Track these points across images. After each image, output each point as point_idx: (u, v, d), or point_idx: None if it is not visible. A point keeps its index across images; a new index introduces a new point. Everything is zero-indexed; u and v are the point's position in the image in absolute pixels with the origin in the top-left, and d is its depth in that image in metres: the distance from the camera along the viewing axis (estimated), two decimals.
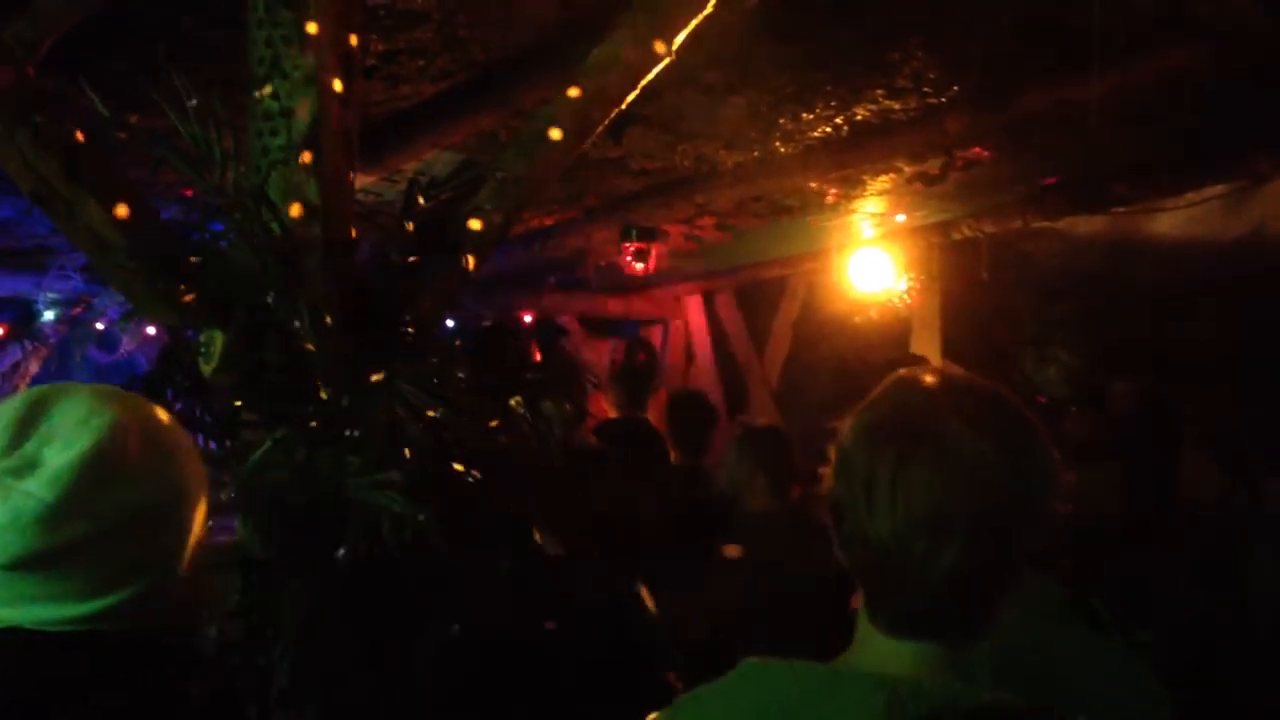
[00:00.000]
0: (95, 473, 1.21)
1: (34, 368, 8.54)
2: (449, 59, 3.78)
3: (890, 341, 7.07)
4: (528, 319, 9.14)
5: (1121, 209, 5.59)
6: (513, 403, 2.42)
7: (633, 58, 2.57)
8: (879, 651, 1.17)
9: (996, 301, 6.59)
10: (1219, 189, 5.27)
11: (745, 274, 8.40)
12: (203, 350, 2.13)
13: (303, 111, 2.21)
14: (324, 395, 2.10)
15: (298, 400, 2.09)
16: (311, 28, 2.21)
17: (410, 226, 2.39)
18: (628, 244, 6.57)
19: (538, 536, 2.34)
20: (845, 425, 1.24)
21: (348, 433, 2.10)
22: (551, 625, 2.36)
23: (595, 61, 2.58)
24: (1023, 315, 6.57)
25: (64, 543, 1.19)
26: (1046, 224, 6.00)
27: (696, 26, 2.62)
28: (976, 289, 6.43)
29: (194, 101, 2.14)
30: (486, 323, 8.15)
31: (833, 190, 5.79)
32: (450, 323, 8.37)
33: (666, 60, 2.60)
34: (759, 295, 8.75)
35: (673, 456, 4.65)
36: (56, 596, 1.21)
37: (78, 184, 2.21)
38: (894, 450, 1.15)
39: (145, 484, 1.26)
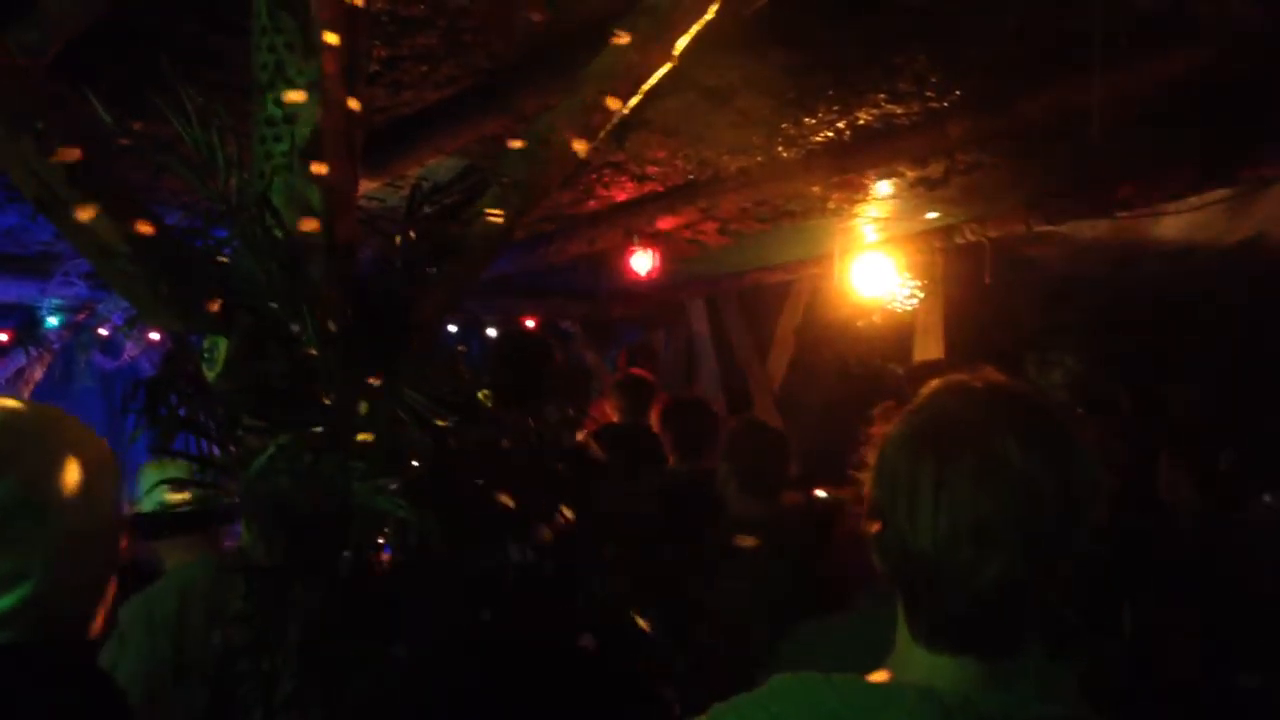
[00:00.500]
0: None
1: (38, 374, 8.55)
2: (452, 65, 3.79)
3: (893, 347, 7.07)
4: (530, 324, 9.14)
5: (1124, 213, 5.59)
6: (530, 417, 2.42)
7: (635, 63, 2.57)
8: (919, 665, 1.16)
9: (999, 306, 6.58)
10: (1222, 193, 5.27)
11: (748, 279, 8.40)
12: (206, 356, 2.14)
13: (306, 118, 2.22)
14: (327, 401, 2.10)
15: (301, 406, 2.09)
16: (314, 34, 2.21)
17: (413, 232, 2.39)
18: (631, 249, 6.58)
19: (540, 539, 2.34)
20: (886, 431, 1.22)
21: (351, 438, 2.10)
22: (552, 630, 2.35)
23: (598, 67, 2.58)
24: (1026, 319, 6.57)
25: None
26: (1049, 228, 6.00)
27: (698, 31, 2.62)
28: (979, 293, 6.42)
29: (197, 107, 2.14)
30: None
31: (835, 195, 5.79)
32: (453, 328, 8.39)
33: (669, 65, 2.60)
34: (762, 300, 8.75)
35: (670, 461, 4.63)
36: None
37: (81, 190, 2.22)
38: (938, 458, 1.13)
39: (18, 489, 1.25)
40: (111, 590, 1.38)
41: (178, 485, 2.54)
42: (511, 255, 6.88)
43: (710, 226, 6.57)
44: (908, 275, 6.85)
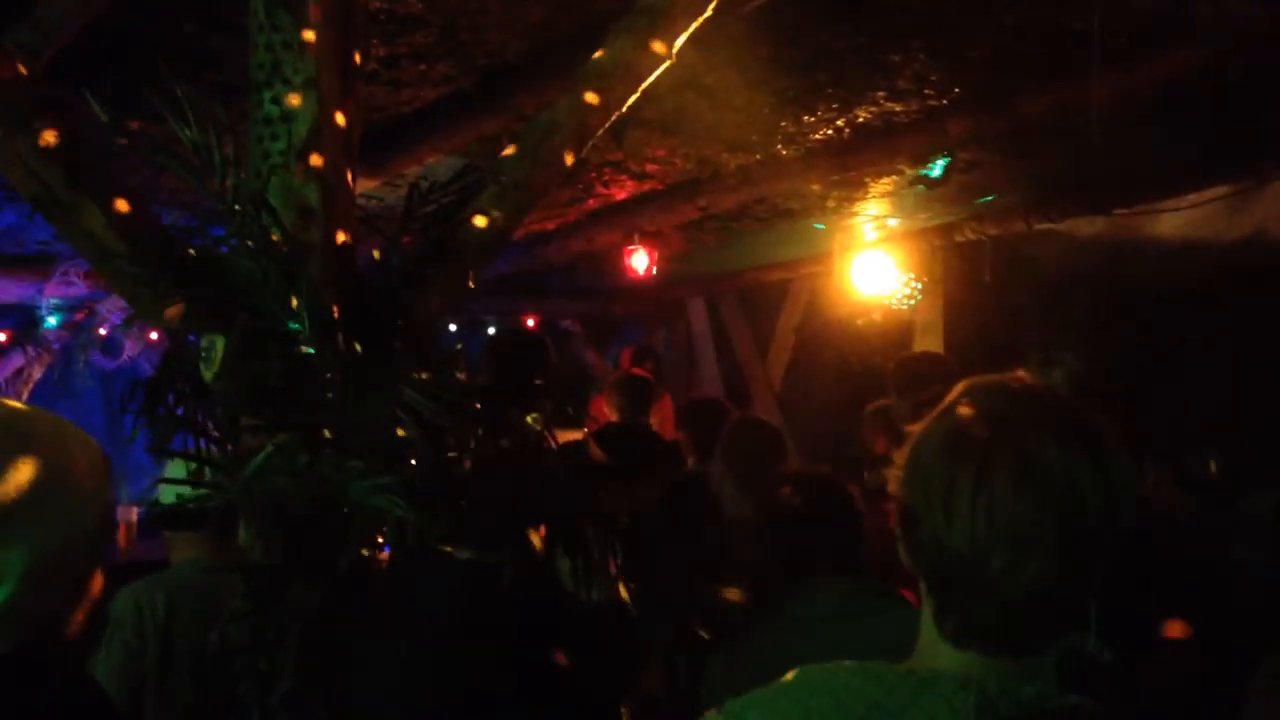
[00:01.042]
0: None
1: (37, 374, 8.55)
2: (450, 64, 3.79)
3: (893, 345, 7.07)
4: (530, 323, 9.14)
5: (1124, 211, 5.59)
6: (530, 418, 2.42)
7: (634, 61, 2.57)
8: (948, 661, 1.15)
9: (999, 303, 6.58)
10: (1221, 190, 5.27)
11: (748, 277, 8.40)
12: (204, 356, 2.13)
13: (303, 117, 2.21)
14: (325, 400, 2.10)
15: (299, 405, 2.09)
16: (311, 33, 2.21)
17: (411, 231, 2.39)
18: (630, 248, 6.58)
19: (537, 541, 2.34)
20: (917, 431, 1.22)
21: (349, 437, 2.09)
22: (550, 628, 2.36)
23: (597, 65, 2.57)
24: (1025, 317, 6.57)
25: None
26: (1049, 226, 6.00)
27: (697, 29, 2.62)
28: (979, 291, 6.42)
29: (194, 107, 2.14)
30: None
31: (834, 193, 5.79)
32: (453, 327, 8.39)
33: (667, 63, 2.60)
34: (762, 299, 8.75)
35: (688, 462, 4.62)
36: None
37: (79, 190, 2.22)
38: (977, 459, 1.13)
39: None
40: (96, 589, 1.36)
41: (181, 483, 2.54)
42: (511, 254, 6.87)
43: (710, 225, 6.56)
44: (907, 273, 6.85)
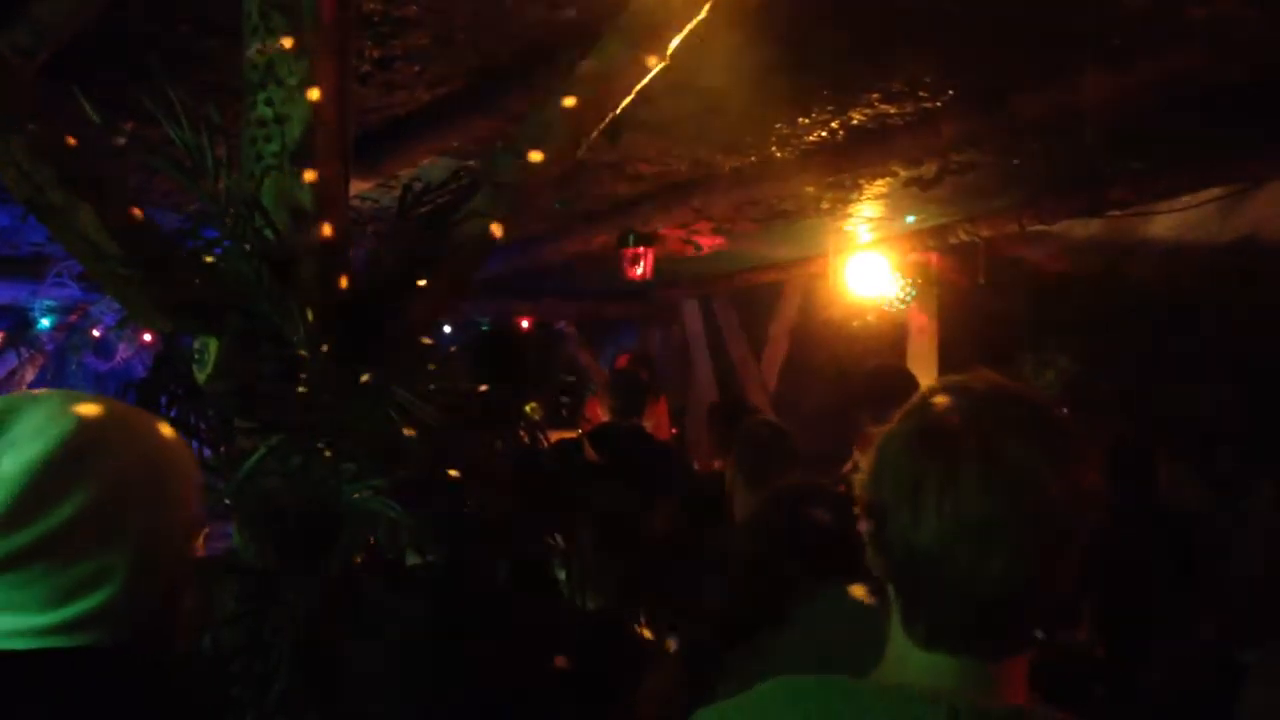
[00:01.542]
0: (45, 479, 1.22)
1: (30, 375, 8.54)
2: (444, 65, 3.79)
3: (887, 346, 7.08)
4: (525, 324, 9.14)
5: (1117, 212, 5.60)
6: (527, 409, 2.42)
7: (628, 62, 2.57)
8: (917, 667, 1.15)
9: (993, 305, 6.59)
10: (1215, 192, 5.28)
11: (742, 279, 8.41)
12: (197, 357, 2.13)
13: (297, 118, 2.21)
14: (318, 402, 2.09)
15: (292, 407, 2.09)
16: (305, 35, 2.21)
17: (405, 233, 2.39)
18: (625, 249, 6.58)
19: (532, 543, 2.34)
20: (883, 431, 1.22)
21: (342, 439, 2.09)
22: (546, 631, 2.35)
23: (591, 67, 2.57)
24: (1018, 318, 6.58)
25: (19, 549, 1.20)
26: (1042, 228, 6.01)
27: (691, 31, 2.62)
28: (973, 293, 6.43)
29: (187, 109, 2.14)
30: (486, 328, 8.14)
31: (829, 194, 5.79)
32: (447, 328, 8.38)
33: (661, 65, 2.60)
34: (756, 300, 8.75)
35: (715, 464, 4.65)
36: (18, 605, 1.22)
37: (72, 192, 2.21)
38: (942, 458, 1.13)
39: (110, 481, 1.26)
40: (189, 594, 1.39)
41: None
42: (505, 255, 6.87)
43: (704, 226, 6.57)
44: (901, 275, 6.86)
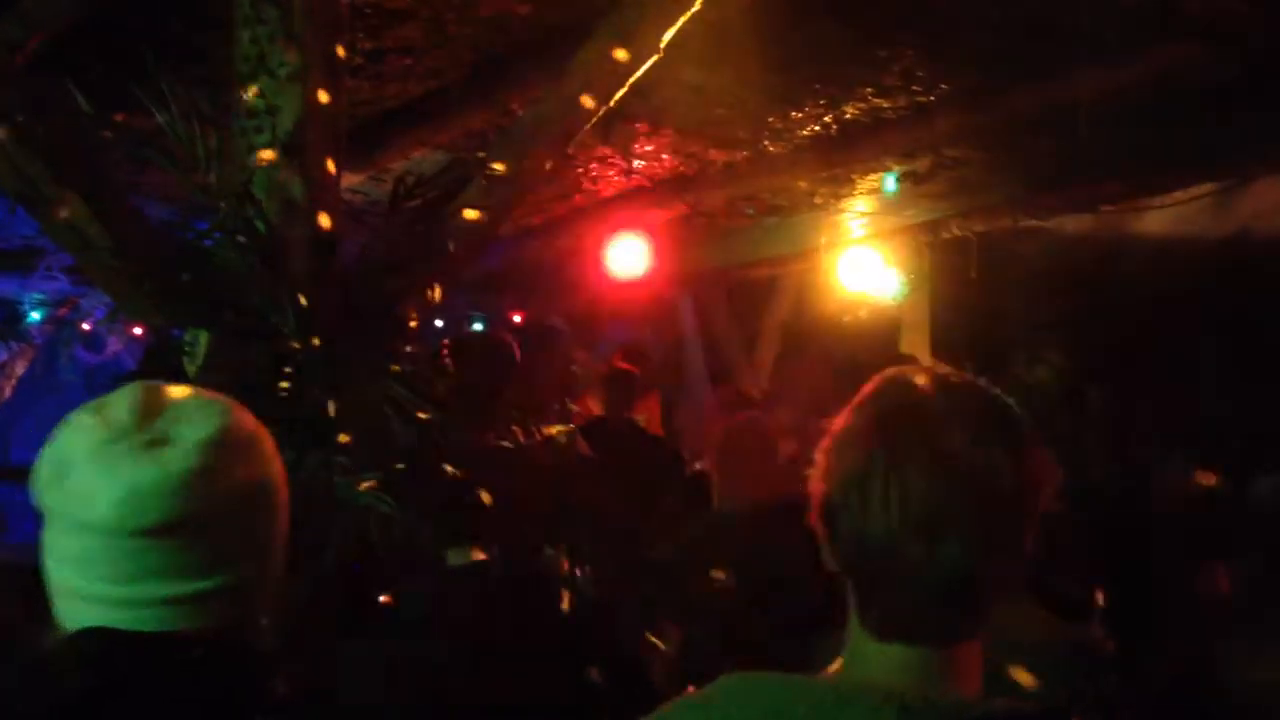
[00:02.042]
0: (226, 449, 1.28)
1: (20, 368, 8.51)
2: (437, 57, 3.77)
3: (880, 341, 7.08)
4: (517, 319, 9.12)
5: (1110, 208, 5.61)
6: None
7: (621, 56, 2.56)
8: (872, 660, 1.16)
9: (986, 300, 6.60)
10: (1207, 188, 5.29)
11: (734, 274, 8.39)
12: (187, 350, 2.12)
13: (288, 110, 2.20)
14: (310, 394, 2.09)
15: (284, 400, 2.08)
16: (297, 26, 2.19)
17: (397, 226, 2.38)
18: (618, 244, 6.56)
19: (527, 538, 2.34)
20: (834, 426, 1.23)
21: (335, 433, 2.08)
22: (541, 627, 2.35)
23: (583, 60, 2.57)
24: (1011, 314, 6.59)
25: (195, 512, 1.24)
26: (1036, 223, 6.01)
27: (684, 24, 2.61)
28: (966, 288, 6.43)
29: (179, 100, 2.12)
30: (476, 328, 8.13)
31: (822, 189, 5.79)
32: (439, 322, 8.36)
33: (655, 58, 2.59)
34: (748, 295, 8.74)
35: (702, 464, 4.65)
36: (177, 570, 1.25)
37: (63, 184, 2.20)
38: (888, 450, 1.14)
39: (259, 469, 1.33)
40: (281, 592, 1.41)
41: None
42: (498, 250, 6.86)
43: (697, 221, 6.56)
44: (894, 270, 6.86)
